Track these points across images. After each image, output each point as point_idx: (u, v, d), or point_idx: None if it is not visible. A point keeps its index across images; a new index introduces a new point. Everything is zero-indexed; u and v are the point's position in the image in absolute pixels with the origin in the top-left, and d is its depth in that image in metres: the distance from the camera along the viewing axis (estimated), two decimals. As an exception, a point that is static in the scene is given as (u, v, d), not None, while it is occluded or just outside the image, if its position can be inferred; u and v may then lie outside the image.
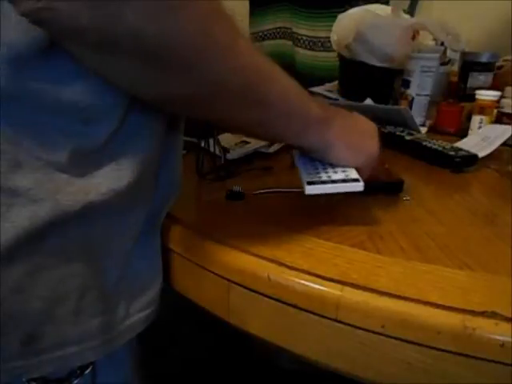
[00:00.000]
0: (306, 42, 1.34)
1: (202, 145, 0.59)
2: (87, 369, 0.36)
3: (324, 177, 0.42)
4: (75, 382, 0.36)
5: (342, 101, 0.90)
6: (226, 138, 0.65)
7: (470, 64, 0.91)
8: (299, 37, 1.36)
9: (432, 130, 0.83)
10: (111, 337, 0.36)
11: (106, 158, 0.32)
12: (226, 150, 0.58)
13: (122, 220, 0.35)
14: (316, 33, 1.31)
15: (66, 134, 0.29)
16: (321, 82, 1.12)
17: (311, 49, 1.34)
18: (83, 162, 0.31)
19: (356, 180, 0.41)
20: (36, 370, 0.33)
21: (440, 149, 0.62)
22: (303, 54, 1.36)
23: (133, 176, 0.33)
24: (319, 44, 1.31)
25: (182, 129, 0.41)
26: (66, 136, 0.29)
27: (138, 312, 0.38)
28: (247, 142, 0.64)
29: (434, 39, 0.98)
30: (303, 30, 1.34)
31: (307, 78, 1.31)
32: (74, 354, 0.34)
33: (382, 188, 0.51)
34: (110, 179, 0.32)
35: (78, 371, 0.36)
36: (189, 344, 1.02)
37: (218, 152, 0.57)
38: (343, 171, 0.43)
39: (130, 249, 0.37)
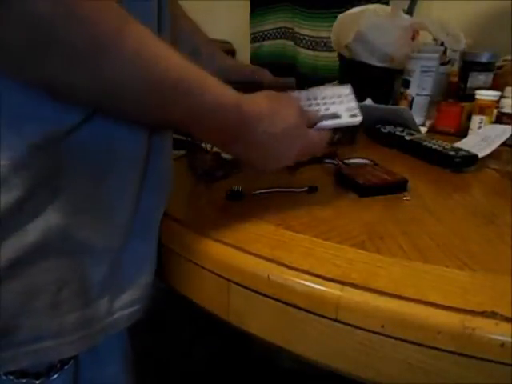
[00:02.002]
0: (309, 43, 1.35)
1: (201, 145, 0.59)
2: (68, 363, 0.36)
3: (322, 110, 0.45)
4: (54, 376, 0.35)
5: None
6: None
7: (469, 64, 0.91)
8: (301, 37, 1.36)
9: (432, 130, 0.83)
10: (90, 332, 0.36)
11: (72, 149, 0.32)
12: (219, 152, 0.58)
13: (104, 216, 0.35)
14: (318, 33, 1.31)
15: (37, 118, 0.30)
16: (323, 82, 1.12)
17: (313, 49, 1.34)
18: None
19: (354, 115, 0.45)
20: (12, 363, 0.32)
21: (440, 149, 0.62)
22: (305, 54, 1.37)
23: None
24: (322, 44, 1.31)
25: (169, 137, 0.41)
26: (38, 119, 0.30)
27: (121, 309, 0.38)
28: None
29: (434, 39, 0.98)
30: (306, 30, 1.34)
31: (309, 78, 1.31)
32: (51, 348, 0.33)
33: (386, 188, 0.51)
34: None
35: (58, 365, 0.36)
36: (188, 344, 1.02)
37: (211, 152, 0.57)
38: (338, 96, 0.47)
39: (116, 246, 0.37)
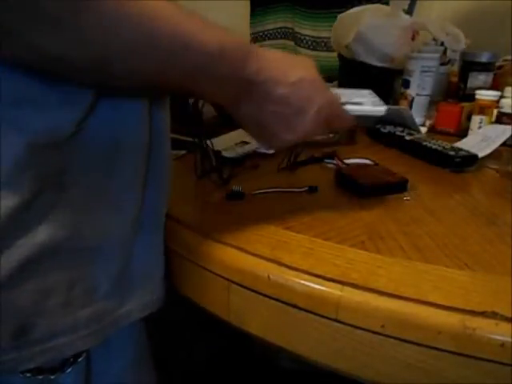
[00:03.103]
0: (309, 42, 1.35)
1: (202, 145, 0.59)
2: (80, 357, 0.36)
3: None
4: (69, 370, 0.36)
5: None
6: (226, 139, 0.65)
7: (469, 64, 0.91)
8: (302, 37, 1.36)
9: (432, 130, 0.83)
10: (103, 326, 0.36)
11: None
12: (218, 152, 0.58)
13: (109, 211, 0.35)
14: (319, 33, 1.31)
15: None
16: None
17: (314, 49, 1.34)
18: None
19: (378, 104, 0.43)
20: (29, 361, 0.33)
21: (440, 149, 0.62)
22: (306, 54, 1.36)
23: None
24: (322, 44, 1.31)
25: (167, 127, 0.40)
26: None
27: (132, 302, 0.38)
28: (247, 143, 0.64)
29: (434, 39, 0.98)
30: (306, 30, 1.34)
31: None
32: (65, 344, 0.34)
33: (386, 188, 0.51)
34: None
35: (72, 359, 0.36)
36: (188, 343, 1.02)
37: (212, 154, 0.57)
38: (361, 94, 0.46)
39: (126, 241, 0.37)
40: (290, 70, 0.36)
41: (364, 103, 0.43)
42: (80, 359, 0.36)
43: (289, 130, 0.37)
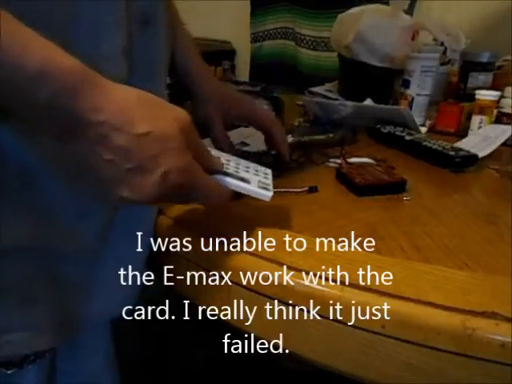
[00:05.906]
0: (310, 42, 1.35)
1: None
2: (42, 356, 0.36)
3: (231, 169, 0.37)
4: (28, 367, 0.35)
5: (342, 101, 0.90)
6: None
7: (469, 64, 0.92)
8: (302, 37, 1.36)
9: (432, 130, 0.83)
10: (65, 327, 0.36)
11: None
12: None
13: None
14: (319, 33, 1.31)
15: None
16: (323, 81, 1.12)
17: (314, 49, 1.35)
18: None
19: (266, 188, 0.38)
20: None
21: (440, 149, 0.62)
22: (306, 54, 1.37)
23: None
24: (323, 44, 1.31)
25: None
26: None
27: (98, 307, 0.38)
28: (246, 144, 0.64)
29: (434, 39, 0.98)
30: (306, 30, 1.34)
31: (310, 78, 1.31)
32: (21, 341, 0.33)
33: (385, 188, 0.51)
34: None
35: (32, 357, 0.35)
36: (188, 343, 1.02)
37: None
38: (256, 170, 0.41)
39: (94, 246, 0.37)
40: (140, 118, 0.28)
41: (251, 182, 0.37)
42: (41, 359, 0.36)
43: (125, 187, 0.29)
